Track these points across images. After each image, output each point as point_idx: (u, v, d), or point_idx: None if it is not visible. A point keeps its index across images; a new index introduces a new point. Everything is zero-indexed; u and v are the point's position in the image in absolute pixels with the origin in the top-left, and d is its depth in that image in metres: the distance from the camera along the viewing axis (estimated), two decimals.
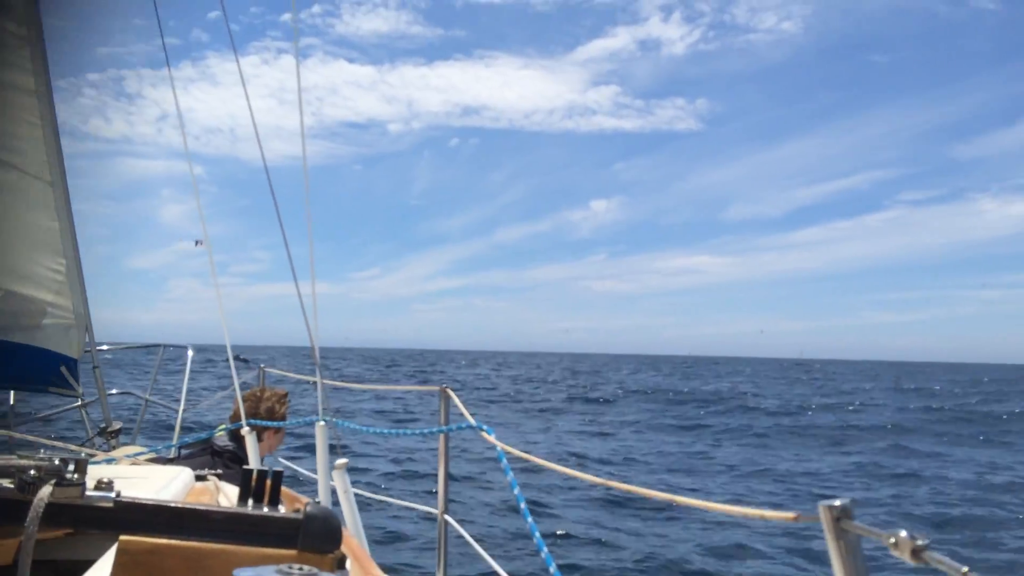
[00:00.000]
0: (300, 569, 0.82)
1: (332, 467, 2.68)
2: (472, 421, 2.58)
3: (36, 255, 4.40)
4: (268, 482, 1.23)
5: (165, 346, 6.12)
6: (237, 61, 3.46)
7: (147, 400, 5.79)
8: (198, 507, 1.07)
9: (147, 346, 6.25)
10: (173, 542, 1.04)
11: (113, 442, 5.08)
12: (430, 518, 3.01)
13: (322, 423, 2.72)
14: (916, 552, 0.78)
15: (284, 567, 0.82)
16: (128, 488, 1.13)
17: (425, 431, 2.94)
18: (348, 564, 1.22)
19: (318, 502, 1.11)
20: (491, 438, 2.42)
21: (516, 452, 2.22)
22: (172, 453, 3.84)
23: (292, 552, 1.05)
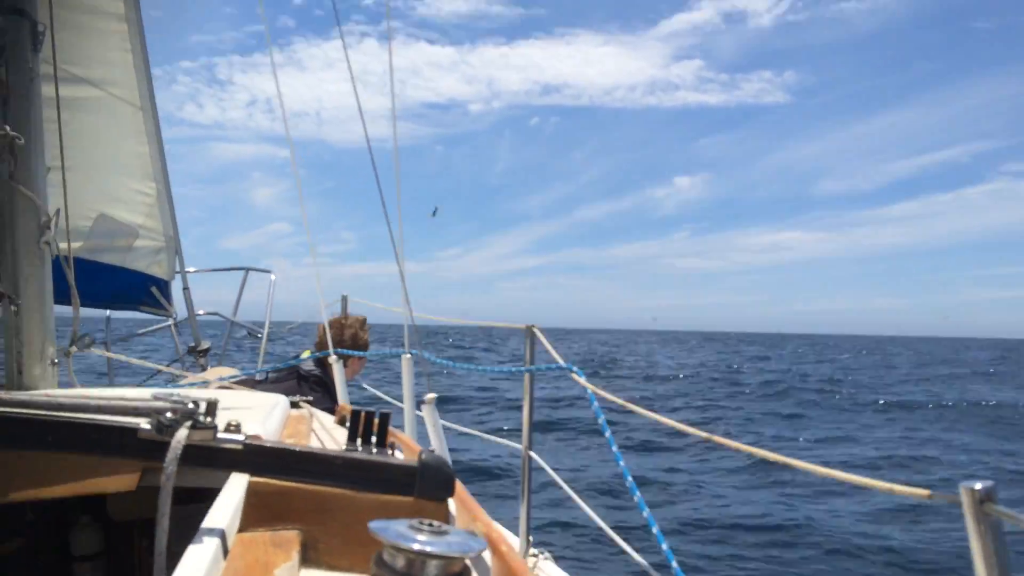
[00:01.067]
0: (430, 525, 0.81)
1: (420, 400, 2.69)
2: (560, 361, 2.54)
3: (127, 179, 4.51)
4: (376, 423, 1.28)
5: (249, 270, 6.27)
6: (342, 38, 3.36)
7: (232, 322, 5.96)
8: (320, 452, 1.12)
9: (232, 269, 6.41)
10: (299, 485, 1.09)
11: (202, 361, 5.27)
12: (514, 455, 3.01)
13: (408, 355, 2.72)
14: None
15: (415, 522, 0.82)
16: (231, 415, 1.19)
17: (512, 369, 2.91)
18: (453, 507, 1.23)
19: (431, 450, 1.12)
20: (581, 380, 2.37)
21: (606, 395, 2.18)
22: (259, 376, 3.94)
23: (409, 499, 1.10)
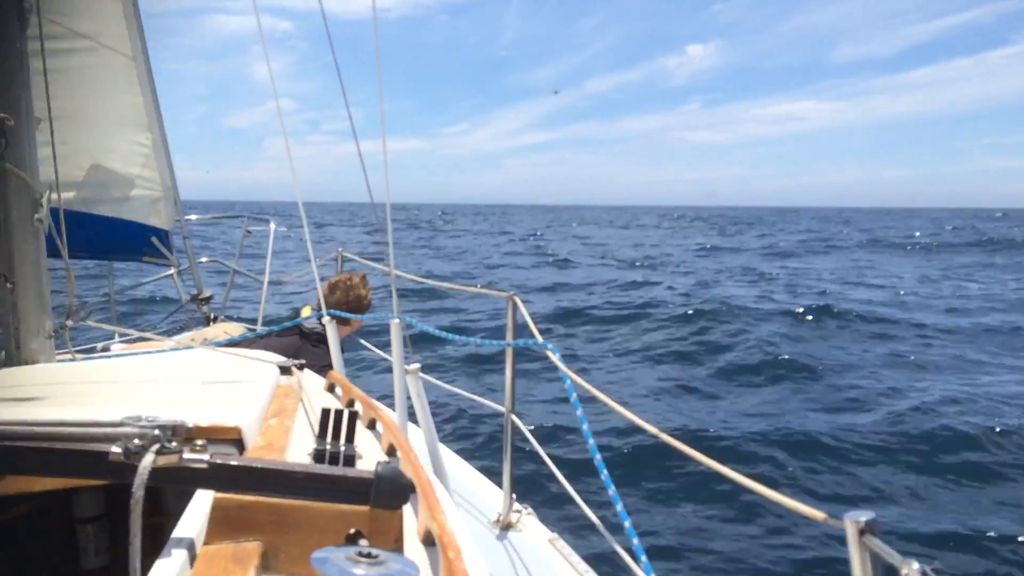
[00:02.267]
0: (369, 555, 0.92)
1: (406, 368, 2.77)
2: (539, 338, 2.61)
3: (122, 130, 4.51)
4: (345, 421, 1.42)
5: (248, 217, 6.31)
6: None
7: (234, 270, 6.03)
8: (282, 468, 1.18)
9: (230, 216, 6.45)
10: (260, 499, 1.16)
11: (205, 308, 5.37)
12: (497, 415, 3.12)
13: (397, 320, 2.79)
14: None
15: (354, 552, 0.92)
16: (216, 395, 1.23)
17: (494, 343, 2.99)
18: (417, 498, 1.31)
19: (387, 462, 1.20)
20: (555, 358, 2.45)
21: (579, 380, 2.24)
22: (264, 333, 4.03)
23: (365, 508, 1.17)
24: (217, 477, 1.14)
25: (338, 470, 1.21)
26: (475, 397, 3.53)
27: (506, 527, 2.99)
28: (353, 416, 1.44)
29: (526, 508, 3.10)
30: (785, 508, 1.14)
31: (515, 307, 2.81)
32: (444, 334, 2.94)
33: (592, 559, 2.88)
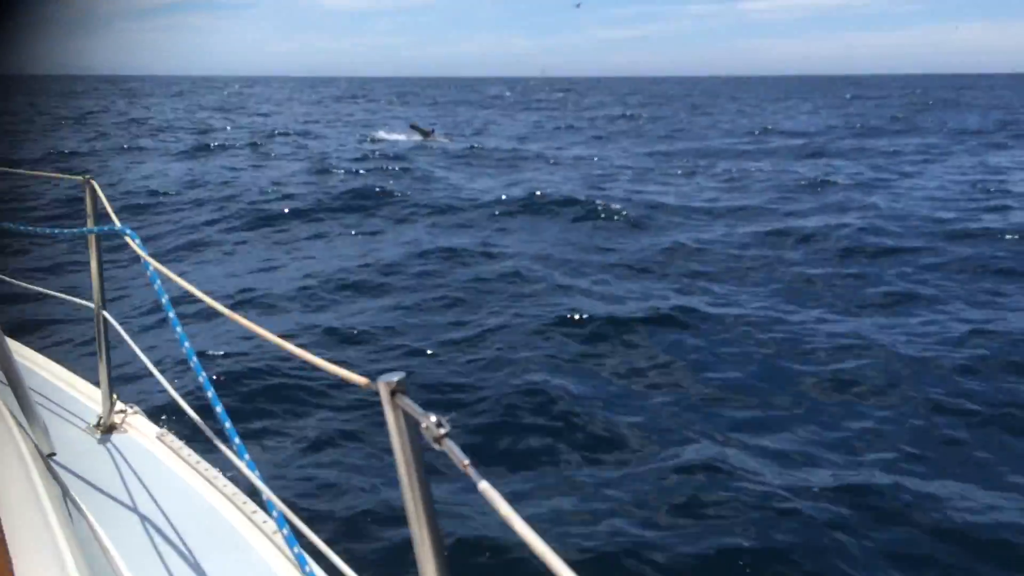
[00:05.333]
0: None
1: None
2: (117, 224, 2.39)
3: None
4: None
5: None
6: None
7: None
8: None
9: None
10: None
11: None
12: (88, 314, 2.86)
13: None
14: (438, 439, 0.89)
15: None
16: None
17: (75, 231, 2.70)
18: None
19: None
20: (135, 244, 2.25)
21: (163, 269, 2.08)
22: None
23: None
24: None
25: None
26: (57, 294, 3.20)
27: (109, 429, 2.78)
28: None
29: (132, 407, 2.90)
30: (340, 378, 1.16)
31: (93, 191, 2.54)
32: (14, 226, 2.59)
33: (201, 448, 2.78)
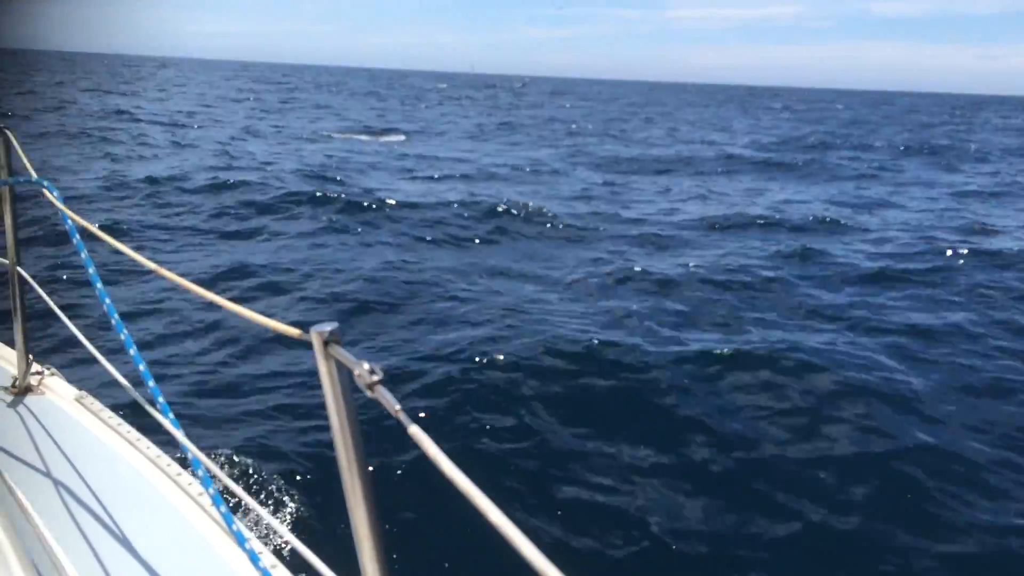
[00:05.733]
0: None
1: None
2: (34, 175, 2.29)
3: None
4: None
5: None
6: None
7: None
8: None
9: None
10: None
11: None
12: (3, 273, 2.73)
13: None
14: (370, 385, 0.89)
15: None
16: None
17: None
18: None
19: None
20: (52, 196, 2.16)
21: (80, 220, 2.01)
22: None
23: None
24: None
25: None
26: None
27: (24, 391, 2.68)
28: None
29: (48, 369, 2.80)
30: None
31: (8, 143, 2.42)
32: None
33: (122, 409, 2.72)
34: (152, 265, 1.68)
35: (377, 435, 4.32)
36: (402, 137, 29.82)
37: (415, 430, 0.84)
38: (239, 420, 5.29)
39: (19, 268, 2.57)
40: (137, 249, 1.90)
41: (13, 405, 2.61)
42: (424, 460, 0.81)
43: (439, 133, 33.20)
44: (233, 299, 1.48)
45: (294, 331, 1.11)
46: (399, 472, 4.50)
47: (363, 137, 28.94)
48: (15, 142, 2.40)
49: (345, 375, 0.96)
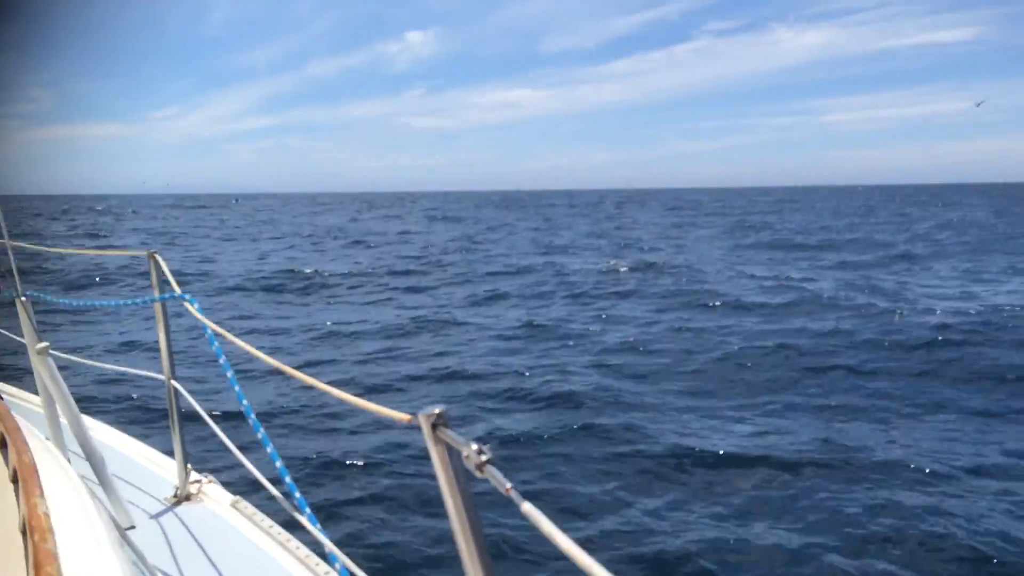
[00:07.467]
0: None
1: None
2: (178, 290, 2.48)
3: None
4: None
5: None
6: None
7: None
8: None
9: None
10: None
11: None
12: (159, 385, 2.92)
13: (23, 298, 2.45)
14: (479, 466, 0.90)
15: None
16: None
17: (134, 302, 2.79)
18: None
19: None
20: (193, 308, 2.32)
21: (221, 331, 2.15)
22: None
23: None
24: None
25: None
26: (127, 369, 3.30)
27: (185, 499, 2.83)
28: None
29: (207, 477, 2.95)
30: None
31: (157, 264, 2.63)
32: (78, 302, 2.69)
33: (276, 514, 2.82)
34: (282, 366, 1.77)
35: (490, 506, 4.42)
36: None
37: (528, 507, 0.84)
38: (367, 508, 5.58)
39: (174, 381, 2.74)
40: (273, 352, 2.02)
41: (176, 513, 2.76)
42: (541, 538, 0.81)
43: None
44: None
45: (403, 416, 1.13)
46: (517, 548, 4.69)
47: None
48: (162, 263, 2.60)
49: (456, 457, 0.96)
